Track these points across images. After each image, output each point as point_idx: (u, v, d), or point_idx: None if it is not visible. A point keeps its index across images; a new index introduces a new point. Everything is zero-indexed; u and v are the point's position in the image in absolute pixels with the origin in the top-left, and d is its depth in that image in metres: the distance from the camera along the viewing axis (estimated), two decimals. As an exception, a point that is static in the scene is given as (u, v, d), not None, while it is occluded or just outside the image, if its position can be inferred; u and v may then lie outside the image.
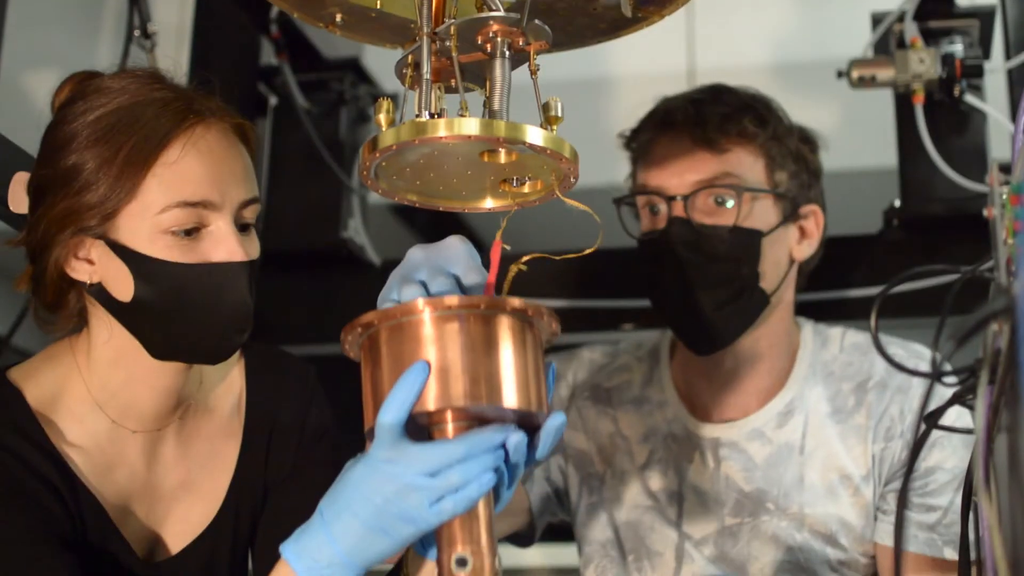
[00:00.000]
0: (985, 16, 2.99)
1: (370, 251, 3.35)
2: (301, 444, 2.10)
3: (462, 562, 1.58)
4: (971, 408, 1.32)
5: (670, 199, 2.33)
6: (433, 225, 3.91)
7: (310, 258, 3.09)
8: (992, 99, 2.99)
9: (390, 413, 1.55)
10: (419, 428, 1.62)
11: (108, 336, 1.88)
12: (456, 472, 1.55)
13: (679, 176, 2.34)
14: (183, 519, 1.99)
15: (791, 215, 2.40)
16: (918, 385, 2.35)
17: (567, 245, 1.75)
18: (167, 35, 3.32)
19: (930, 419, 1.48)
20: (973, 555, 1.51)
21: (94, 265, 1.84)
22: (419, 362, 1.57)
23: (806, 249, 2.45)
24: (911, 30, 2.93)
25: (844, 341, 2.47)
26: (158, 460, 1.97)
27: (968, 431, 1.37)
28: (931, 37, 2.95)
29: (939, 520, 2.26)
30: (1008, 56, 2.71)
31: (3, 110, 2.33)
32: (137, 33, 2.88)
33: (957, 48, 2.92)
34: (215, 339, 1.87)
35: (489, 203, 1.75)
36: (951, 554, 2.24)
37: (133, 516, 1.94)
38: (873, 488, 2.32)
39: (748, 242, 2.33)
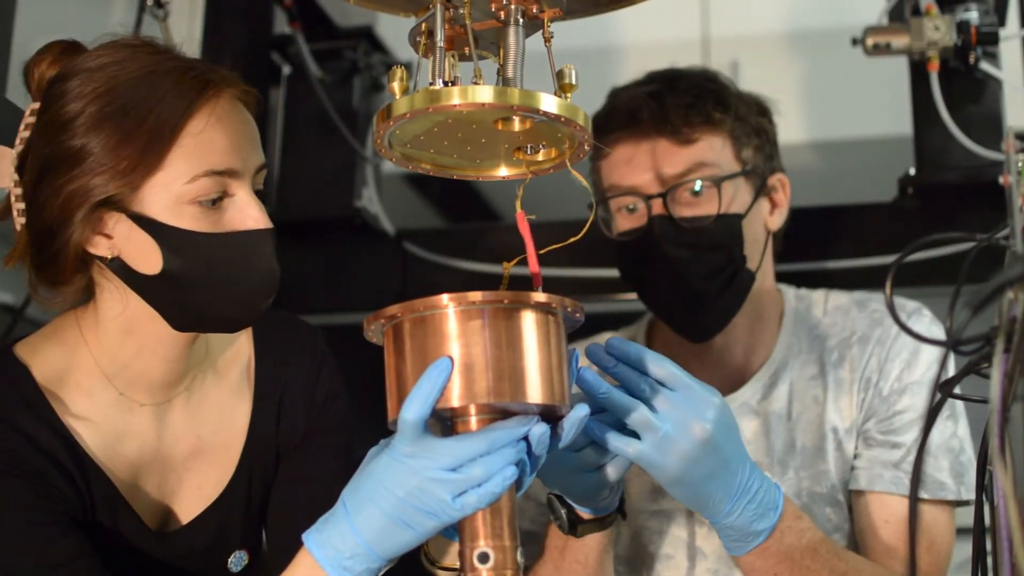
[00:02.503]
0: (1001, -17, 2.98)
1: (384, 220, 3.34)
2: (312, 409, 2.10)
3: (484, 557, 1.59)
4: (986, 377, 1.31)
5: (648, 198, 2.32)
6: (447, 194, 3.90)
7: (324, 227, 3.09)
8: (1008, 66, 2.98)
9: (413, 410, 1.56)
10: (443, 421, 1.63)
11: (121, 309, 1.88)
12: (479, 466, 1.56)
13: (653, 173, 2.33)
14: (196, 487, 2.00)
15: (761, 189, 2.40)
16: (896, 337, 2.36)
17: (581, 213, 1.74)
18: (180, 4, 3.31)
19: (944, 388, 1.48)
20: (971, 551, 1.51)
21: (112, 240, 1.83)
22: (443, 359, 1.57)
23: (778, 219, 2.45)
24: (926, -3, 2.92)
25: (827, 304, 2.47)
26: (168, 431, 1.97)
27: (983, 400, 1.36)
28: (946, 4, 2.95)
29: (903, 457, 2.27)
30: (1024, 23, 2.71)
31: (17, 80, 2.33)
32: (150, 2, 2.86)
33: (972, 15, 2.91)
34: (243, 307, 1.87)
35: (503, 171, 1.75)
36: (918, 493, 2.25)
37: (144, 488, 1.94)
38: (855, 440, 2.33)
39: (731, 228, 2.33)
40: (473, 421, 1.61)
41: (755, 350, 2.45)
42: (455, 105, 1.53)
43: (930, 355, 2.32)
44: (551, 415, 1.64)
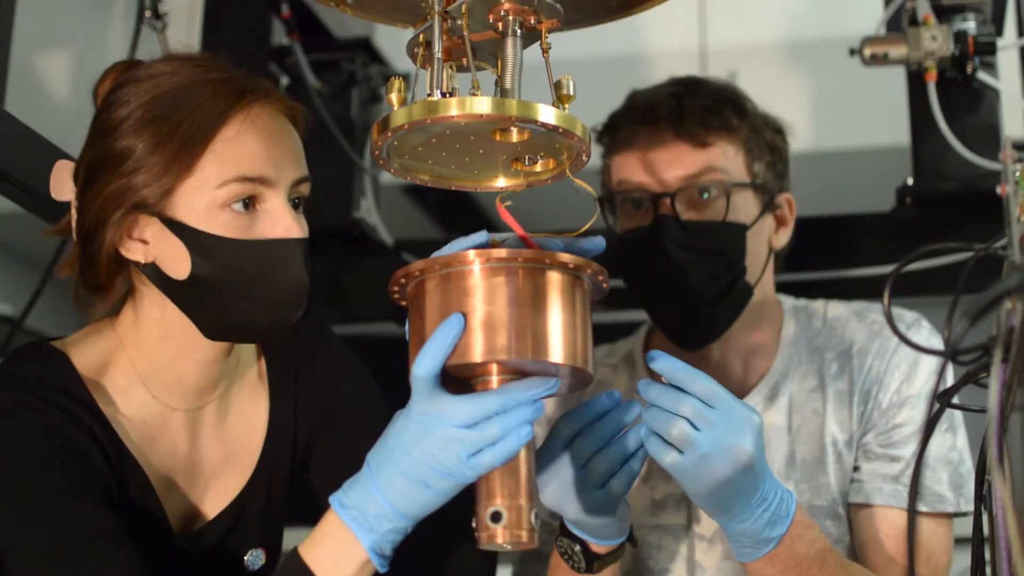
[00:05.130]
0: (998, -7, 2.98)
1: (382, 231, 3.35)
2: (325, 387, 2.10)
3: (496, 516, 1.59)
4: (985, 387, 1.31)
5: (656, 196, 2.31)
6: (445, 204, 3.91)
7: (322, 238, 3.09)
8: (1005, 76, 2.98)
9: (423, 365, 1.58)
10: (464, 382, 1.64)
11: (160, 314, 1.89)
12: (494, 424, 1.57)
13: (664, 172, 2.32)
14: (222, 493, 2.00)
15: (769, 205, 2.40)
16: (895, 349, 2.35)
17: (574, 226, 1.75)
18: (178, 15, 3.32)
19: (943, 398, 1.48)
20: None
21: (148, 244, 1.84)
22: (455, 314, 1.58)
23: (783, 237, 2.46)
24: (923, 7, 2.92)
25: (826, 315, 2.47)
26: (199, 438, 1.98)
27: (981, 410, 1.36)
28: (943, 14, 2.94)
29: (903, 471, 2.26)
30: (1021, 33, 2.71)
31: (13, 91, 2.33)
32: (148, 14, 2.87)
33: (970, 25, 2.91)
34: (271, 317, 1.87)
35: (501, 182, 1.75)
36: (918, 505, 2.25)
37: (173, 492, 1.95)
38: (854, 452, 2.32)
39: (734, 237, 2.32)
40: (493, 380, 1.62)
41: (754, 363, 2.44)
42: (453, 116, 1.54)
43: (929, 367, 2.32)
44: (574, 379, 1.66)
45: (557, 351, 1.60)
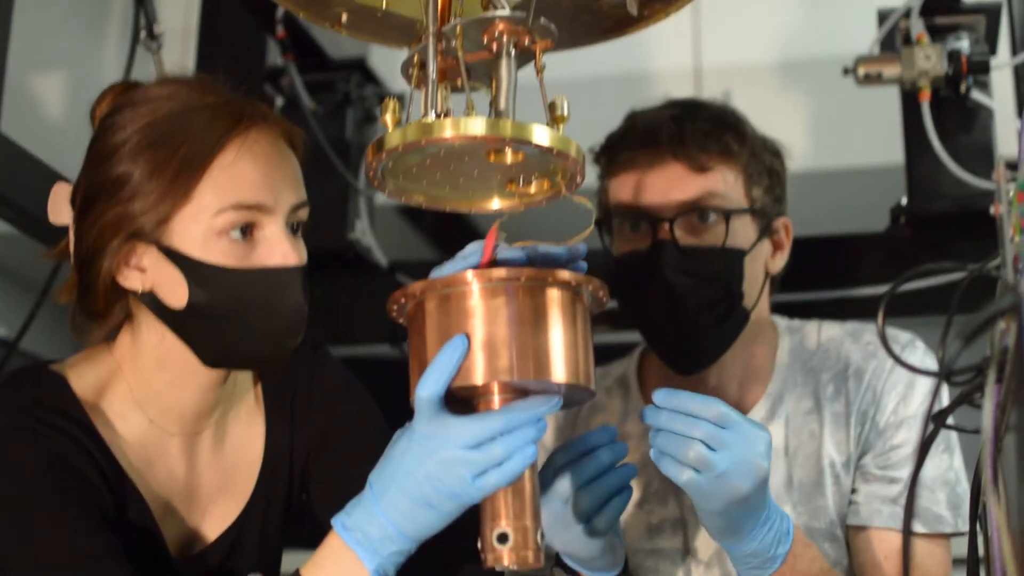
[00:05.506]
0: (991, 12, 2.99)
1: (377, 252, 3.35)
2: (322, 408, 2.10)
3: (503, 538, 1.60)
4: (979, 407, 1.31)
5: (655, 220, 2.29)
6: (440, 226, 3.91)
7: (317, 260, 3.09)
8: (999, 95, 2.99)
9: (427, 387, 1.58)
10: (466, 402, 1.63)
11: (158, 341, 1.88)
12: (498, 445, 1.57)
13: (664, 196, 2.30)
14: (219, 518, 2.00)
15: (766, 230, 2.39)
16: (891, 370, 2.35)
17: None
18: (173, 36, 3.32)
19: (938, 419, 1.48)
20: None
21: (145, 273, 1.84)
22: (458, 335, 1.59)
23: (779, 261, 2.45)
24: (917, 26, 2.93)
25: (820, 336, 2.46)
26: (196, 464, 1.97)
27: (976, 431, 1.36)
28: (937, 33, 2.95)
29: (901, 492, 2.26)
30: (1014, 52, 2.71)
31: (9, 113, 2.34)
32: (143, 35, 2.88)
33: (963, 44, 2.92)
34: (270, 345, 1.87)
35: (496, 203, 1.75)
36: (917, 526, 2.25)
37: (172, 516, 1.94)
38: (852, 474, 2.32)
39: (733, 262, 2.31)
40: (495, 400, 1.62)
41: (750, 386, 2.42)
42: (447, 138, 1.53)
43: (925, 388, 2.32)
44: (575, 397, 1.66)
45: (559, 370, 1.61)
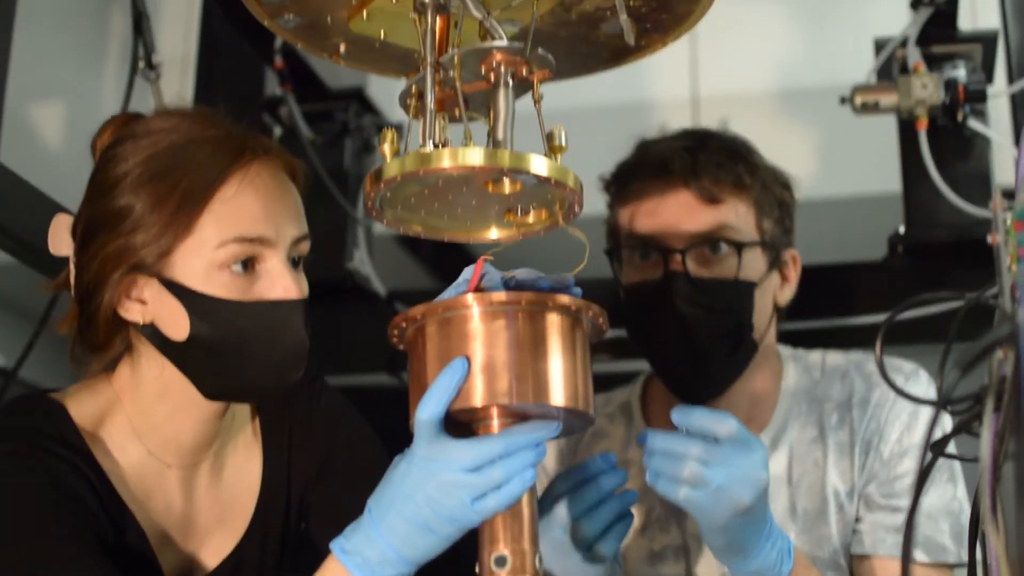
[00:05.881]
0: (988, 41, 3.00)
1: (375, 282, 3.35)
2: (324, 434, 2.10)
3: (501, 561, 1.60)
4: (977, 436, 1.31)
5: (667, 251, 2.28)
6: (438, 255, 3.91)
7: (315, 289, 3.10)
8: (996, 124, 2.99)
9: (427, 409, 1.58)
10: (465, 425, 1.64)
11: (158, 373, 1.88)
12: (497, 468, 1.57)
13: (676, 228, 2.29)
14: (216, 549, 1.99)
15: (776, 262, 2.39)
16: (895, 400, 2.34)
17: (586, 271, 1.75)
18: (172, 66, 3.33)
19: (936, 447, 1.48)
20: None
21: (146, 305, 1.84)
22: (458, 359, 1.59)
23: (787, 293, 2.45)
24: (914, 55, 2.93)
25: (825, 365, 2.46)
26: (193, 496, 1.97)
27: (974, 460, 1.36)
28: (934, 62, 2.96)
29: (905, 521, 2.25)
30: (1011, 80, 2.72)
31: (8, 142, 2.34)
32: (142, 64, 2.89)
33: (960, 73, 2.93)
34: (271, 378, 1.87)
35: (494, 233, 1.75)
36: (920, 555, 2.25)
37: (169, 547, 1.94)
38: (856, 503, 2.32)
39: (744, 295, 2.31)
40: (495, 425, 1.62)
41: (754, 414, 2.41)
42: (445, 168, 1.53)
43: (929, 417, 2.31)
44: (574, 422, 1.66)
45: (558, 394, 1.61)
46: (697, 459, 1.77)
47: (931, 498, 2.28)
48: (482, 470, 1.57)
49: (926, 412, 2.33)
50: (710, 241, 2.29)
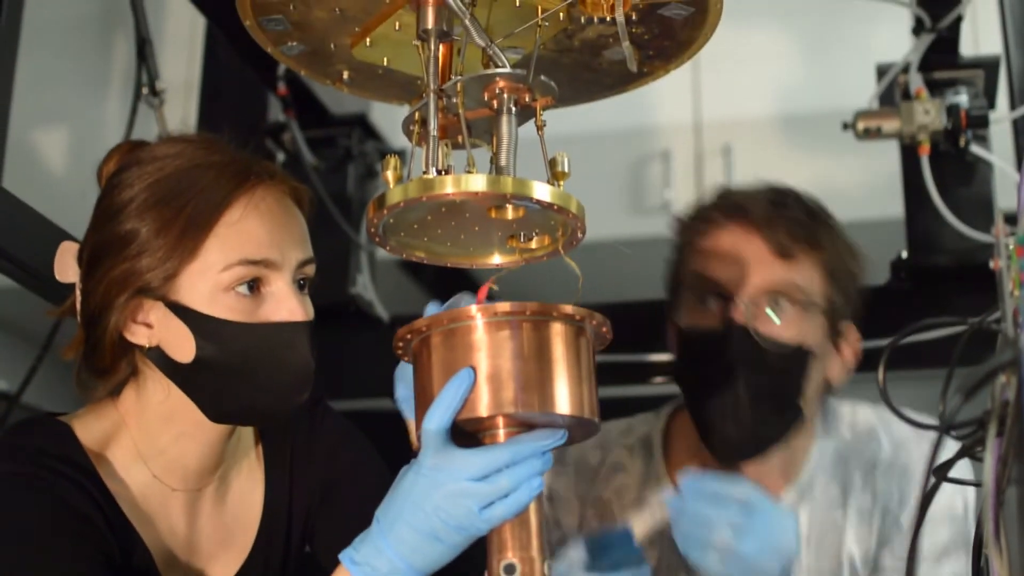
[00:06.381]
0: (990, 66, 3.01)
1: (378, 307, 3.35)
2: (327, 456, 2.10)
3: (510, 569, 1.60)
4: (980, 461, 1.31)
5: (731, 299, 2.22)
6: (441, 281, 3.92)
7: (318, 314, 3.10)
8: (998, 149, 3.00)
9: (434, 420, 1.58)
10: (471, 435, 1.64)
11: (164, 396, 1.88)
12: (505, 477, 1.57)
13: (746, 277, 2.22)
14: (219, 573, 1.99)
15: (835, 332, 2.31)
16: (919, 470, 2.29)
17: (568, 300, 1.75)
18: (175, 92, 3.34)
19: (939, 472, 1.48)
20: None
21: (152, 328, 1.84)
22: (465, 369, 1.59)
23: (839, 370, 2.35)
24: (916, 81, 2.94)
25: (855, 423, 2.39)
26: (197, 520, 1.97)
27: (977, 484, 1.37)
28: (936, 88, 2.97)
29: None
30: (1013, 106, 2.73)
31: (11, 167, 2.34)
32: (145, 91, 2.90)
33: (962, 99, 2.94)
34: (276, 401, 1.87)
35: (497, 259, 1.75)
36: None
37: (174, 570, 1.94)
38: (869, 566, 2.29)
39: (802, 362, 2.23)
40: (501, 434, 1.62)
41: (785, 470, 2.35)
42: (449, 194, 1.54)
43: (951, 487, 2.26)
44: (579, 430, 1.66)
45: (564, 403, 1.61)
46: (729, 526, 1.76)
47: (944, 572, 2.25)
48: (489, 479, 1.58)
49: (948, 485, 2.29)
50: (777, 296, 2.22)
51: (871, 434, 2.38)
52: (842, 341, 2.34)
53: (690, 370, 2.30)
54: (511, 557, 1.60)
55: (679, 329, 2.31)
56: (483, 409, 1.59)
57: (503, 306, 1.61)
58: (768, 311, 2.22)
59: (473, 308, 1.61)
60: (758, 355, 2.20)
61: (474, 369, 1.59)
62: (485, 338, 1.60)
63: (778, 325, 2.22)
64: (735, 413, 2.21)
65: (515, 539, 1.61)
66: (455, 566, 1.66)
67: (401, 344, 1.68)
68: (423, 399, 1.64)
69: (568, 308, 1.63)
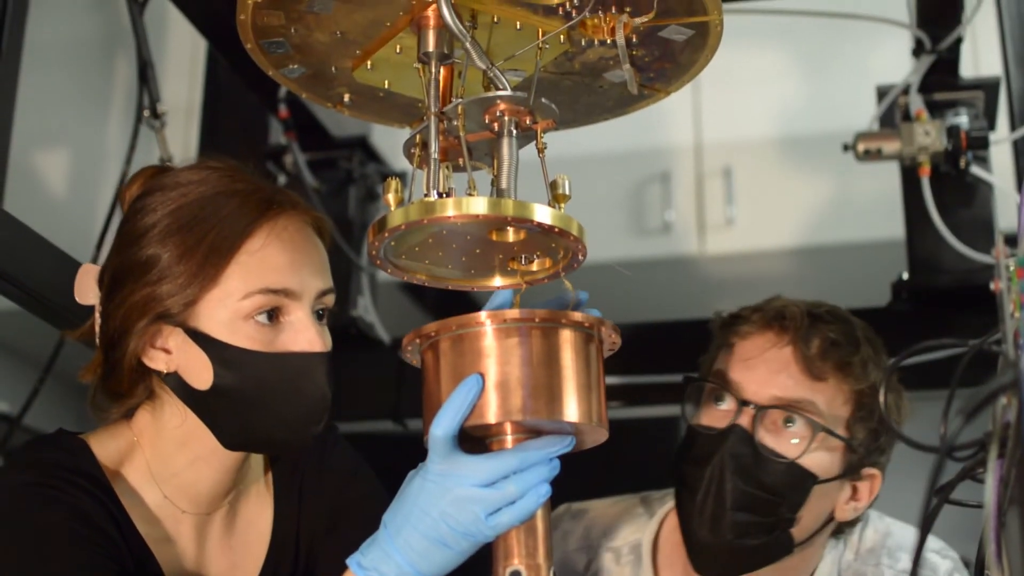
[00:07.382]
0: (990, 88, 3.01)
1: (379, 329, 3.35)
2: (335, 487, 2.09)
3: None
4: (981, 482, 1.31)
5: (743, 402, 2.13)
6: (442, 303, 3.92)
7: (320, 335, 3.12)
8: (998, 170, 3.00)
9: (441, 426, 1.59)
10: (479, 441, 1.64)
11: (180, 421, 1.88)
12: (512, 483, 1.58)
13: (763, 382, 2.13)
14: None
15: (852, 472, 2.17)
16: None
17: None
18: (176, 115, 3.35)
19: (940, 493, 1.48)
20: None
21: (171, 354, 1.84)
22: (473, 375, 1.60)
23: (850, 513, 2.22)
24: (916, 102, 2.95)
25: (860, 546, 2.29)
26: (206, 544, 1.97)
27: (978, 506, 1.36)
28: (936, 109, 2.97)
29: None
30: (1013, 127, 2.73)
31: (12, 189, 2.34)
32: (147, 113, 2.90)
33: (962, 120, 2.94)
34: (292, 430, 1.87)
35: (498, 281, 1.76)
36: None
37: None
38: None
39: (798, 483, 2.11)
40: (508, 440, 1.63)
41: None
42: (450, 217, 1.54)
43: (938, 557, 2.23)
44: (586, 437, 1.66)
45: (572, 410, 1.61)
46: None
47: None
48: (496, 485, 1.59)
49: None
50: (791, 411, 2.11)
51: (875, 559, 2.28)
52: (861, 484, 2.22)
53: (684, 467, 2.19)
54: (517, 564, 1.61)
55: (688, 426, 2.21)
56: (491, 416, 1.60)
57: (512, 312, 1.61)
58: (779, 421, 2.12)
59: (482, 314, 1.61)
60: (753, 462, 2.11)
61: (482, 375, 1.60)
62: (494, 344, 1.61)
63: (785, 439, 2.12)
64: (713, 519, 2.12)
65: (521, 546, 1.62)
66: (463, 571, 1.66)
67: (409, 348, 1.69)
68: (431, 404, 1.64)
69: (577, 315, 1.64)
